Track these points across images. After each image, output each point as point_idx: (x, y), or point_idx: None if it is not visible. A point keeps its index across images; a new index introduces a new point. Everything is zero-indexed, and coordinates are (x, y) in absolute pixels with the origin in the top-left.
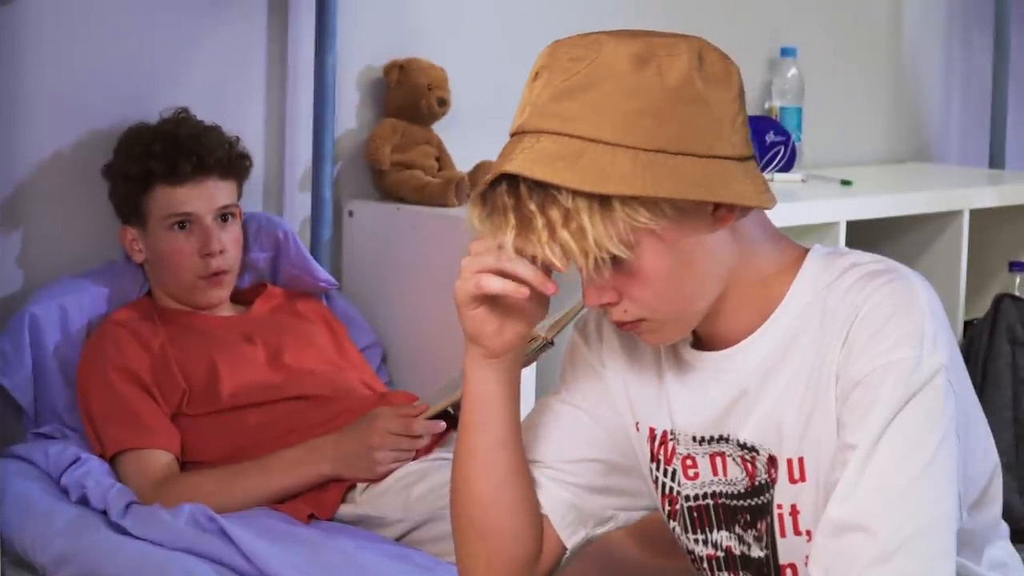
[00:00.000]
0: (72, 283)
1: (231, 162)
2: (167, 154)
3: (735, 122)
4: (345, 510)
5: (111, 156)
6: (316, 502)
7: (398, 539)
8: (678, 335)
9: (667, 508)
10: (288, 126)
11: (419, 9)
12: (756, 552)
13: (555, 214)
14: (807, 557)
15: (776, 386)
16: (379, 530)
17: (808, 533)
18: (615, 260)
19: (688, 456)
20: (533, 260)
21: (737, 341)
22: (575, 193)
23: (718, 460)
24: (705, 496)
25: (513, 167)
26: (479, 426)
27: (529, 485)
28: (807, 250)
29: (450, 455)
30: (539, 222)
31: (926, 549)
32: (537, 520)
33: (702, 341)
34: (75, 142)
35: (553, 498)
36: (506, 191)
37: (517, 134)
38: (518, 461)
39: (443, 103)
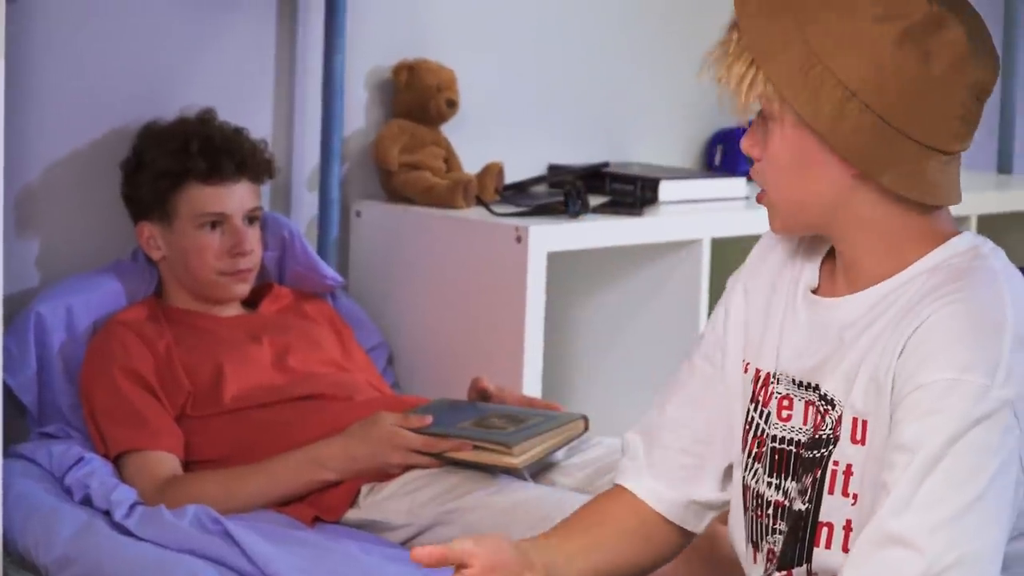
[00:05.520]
0: (78, 282)
1: (264, 166)
2: (207, 153)
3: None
4: (349, 514)
5: (125, 154)
6: (322, 504)
7: (403, 543)
8: (779, 226)
9: (753, 451)
10: (296, 126)
11: (429, 10)
12: (798, 505)
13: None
14: (848, 520)
15: (860, 345)
16: (384, 534)
17: (855, 496)
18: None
19: (785, 396)
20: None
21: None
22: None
23: (811, 408)
24: (789, 442)
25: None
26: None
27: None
28: (957, 233)
29: None
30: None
31: None
32: None
33: (823, 287)
34: (83, 142)
35: (665, 501)
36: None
37: None
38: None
39: (452, 104)
